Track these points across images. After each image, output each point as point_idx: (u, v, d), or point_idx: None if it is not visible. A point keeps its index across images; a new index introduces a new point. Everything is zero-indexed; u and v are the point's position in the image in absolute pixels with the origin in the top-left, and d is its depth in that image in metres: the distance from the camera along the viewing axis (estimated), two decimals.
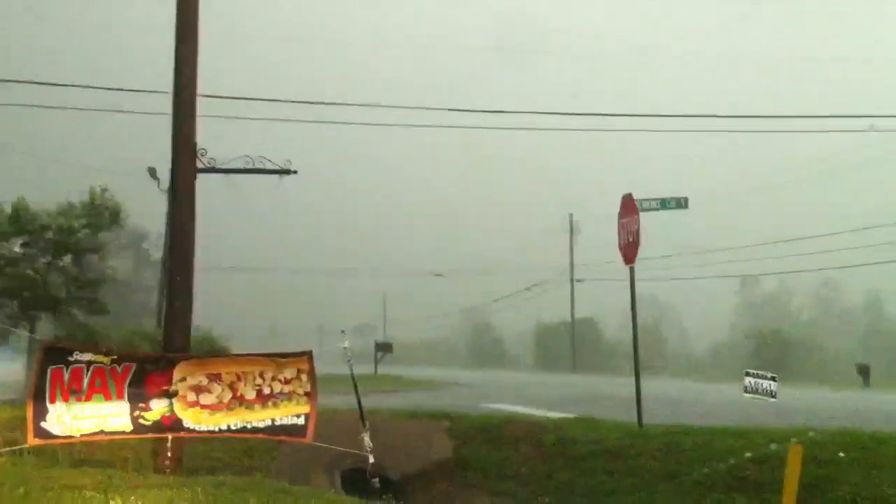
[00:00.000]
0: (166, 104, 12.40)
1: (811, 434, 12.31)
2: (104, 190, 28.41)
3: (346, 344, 12.16)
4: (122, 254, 63.10)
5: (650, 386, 17.25)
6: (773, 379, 16.21)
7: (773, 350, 55.22)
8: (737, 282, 75.65)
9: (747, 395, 16.10)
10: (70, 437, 10.38)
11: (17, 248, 25.83)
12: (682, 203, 16.74)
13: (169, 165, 12.33)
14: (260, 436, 11.14)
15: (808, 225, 51.31)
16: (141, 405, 10.58)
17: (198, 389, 10.77)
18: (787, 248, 49.64)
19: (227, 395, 10.86)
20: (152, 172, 34.72)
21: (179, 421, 10.72)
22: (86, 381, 10.33)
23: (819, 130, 24.40)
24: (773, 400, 15.98)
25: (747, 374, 16.48)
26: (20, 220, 25.47)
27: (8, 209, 25.39)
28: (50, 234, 26.21)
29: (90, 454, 11.77)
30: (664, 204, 16.55)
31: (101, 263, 29.19)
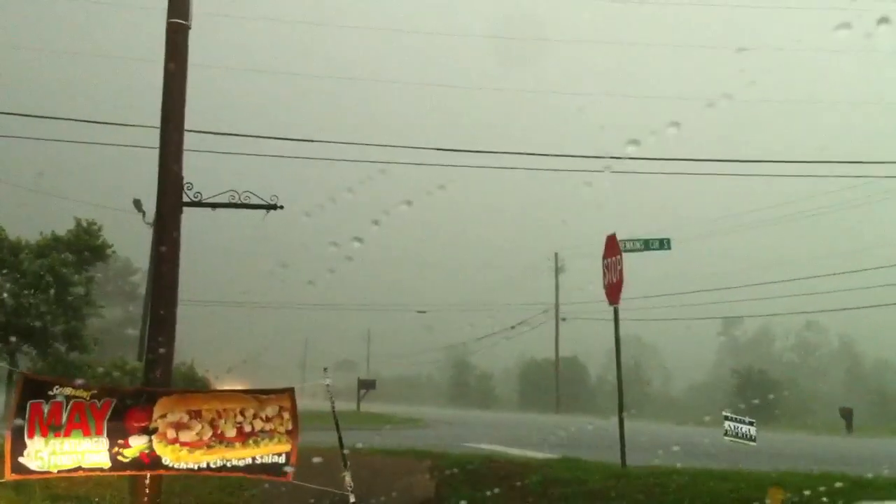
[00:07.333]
0: (153, 138, 12.42)
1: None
2: (92, 224, 28.24)
3: (329, 381, 12.06)
4: (108, 287, 62.72)
5: (633, 428, 17.20)
6: (752, 423, 16.20)
7: (756, 391, 55.24)
8: (719, 323, 75.81)
9: (727, 437, 16.08)
10: (48, 472, 10.21)
11: None
12: (665, 244, 16.83)
13: (154, 198, 12.32)
14: (240, 474, 11.02)
15: (791, 266, 51.73)
16: (120, 441, 10.42)
17: (178, 426, 10.64)
18: (770, 290, 49.93)
19: (208, 433, 10.72)
20: (138, 205, 34.40)
21: (158, 458, 10.57)
22: (65, 416, 10.19)
23: (799, 175, 24.70)
24: (752, 444, 15.96)
25: (726, 417, 16.46)
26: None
27: None
28: (30, 267, 26.05)
29: (68, 489, 11.61)
30: (648, 244, 16.63)
31: (86, 298, 28.87)
